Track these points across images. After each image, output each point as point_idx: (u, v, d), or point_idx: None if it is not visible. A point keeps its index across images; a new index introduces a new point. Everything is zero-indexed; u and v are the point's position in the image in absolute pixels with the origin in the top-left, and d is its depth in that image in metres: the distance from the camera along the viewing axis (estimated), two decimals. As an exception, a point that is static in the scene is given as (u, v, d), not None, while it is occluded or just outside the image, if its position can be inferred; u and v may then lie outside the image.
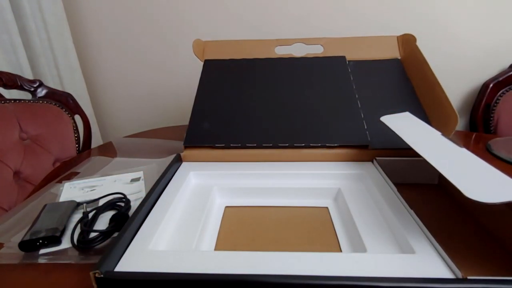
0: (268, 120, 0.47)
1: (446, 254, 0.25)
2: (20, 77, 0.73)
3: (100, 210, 0.39)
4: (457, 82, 0.98)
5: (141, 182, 0.48)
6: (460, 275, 0.23)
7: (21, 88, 0.73)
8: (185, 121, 0.48)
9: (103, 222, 0.38)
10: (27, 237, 0.34)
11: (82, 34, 0.99)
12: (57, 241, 0.35)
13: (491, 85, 0.89)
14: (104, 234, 0.35)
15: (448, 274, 0.24)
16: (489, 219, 0.32)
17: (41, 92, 0.76)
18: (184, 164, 0.44)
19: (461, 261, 0.24)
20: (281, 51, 0.54)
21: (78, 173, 0.54)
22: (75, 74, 0.96)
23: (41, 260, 0.33)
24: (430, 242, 0.27)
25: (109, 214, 0.39)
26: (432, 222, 0.29)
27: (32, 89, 0.75)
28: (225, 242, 0.33)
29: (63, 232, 0.36)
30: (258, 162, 0.44)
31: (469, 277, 0.22)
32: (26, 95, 0.75)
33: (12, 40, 0.78)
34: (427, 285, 0.22)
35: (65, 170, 0.55)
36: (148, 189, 0.37)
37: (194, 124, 0.48)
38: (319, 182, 0.40)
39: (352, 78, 0.51)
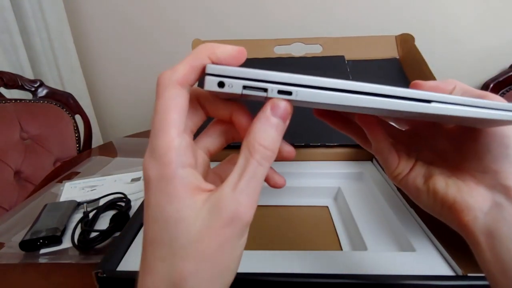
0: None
1: (446, 251, 0.25)
2: (20, 77, 0.73)
3: (101, 210, 0.39)
4: (457, 82, 0.98)
5: (142, 182, 0.48)
6: (460, 272, 0.23)
7: (21, 88, 0.73)
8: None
9: (103, 222, 0.38)
10: (28, 237, 0.34)
11: (82, 34, 0.99)
12: (58, 241, 0.35)
13: (491, 85, 0.89)
14: (104, 234, 0.35)
15: (448, 271, 0.24)
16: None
17: (42, 92, 0.76)
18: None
19: (461, 258, 0.24)
20: (280, 51, 0.54)
21: (79, 173, 0.54)
22: (75, 74, 0.96)
23: (42, 260, 0.33)
24: (430, 240, 0.27)
25: (109, 214, 0.39)
26: (432, 220, 0.29)
27: (33, 89, 0.75)
28: (225, 241, 0.33)
29: (63, 231, 0.36)
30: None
31: (469, 274, 0.23)
32: (27, 95, 0.75)
33: (12, 40, 0.79)
34: (428, 282, 0.22)
35: (65, 170, 0.55)
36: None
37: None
38: (319, 181, 0.40)
39: (351, 78, 0.51)
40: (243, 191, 0.13)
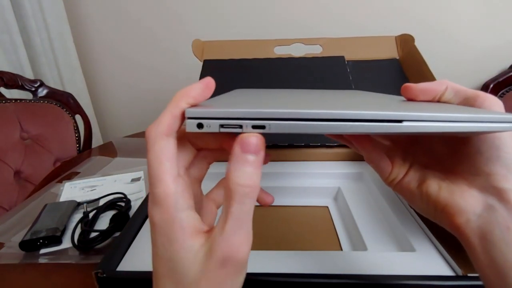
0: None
1: (446, 251, 0.25)
2: (21, 77, 0.73)
3: (101, 210, 0.39)
4: (457, 82, 0.97)
5: (142, 182, 0.48)
6: (460, 272, 0.23)
7: (22, 88, 0.73)
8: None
9: (103, 222, 0.38)
10: (28, 237, 0.34)
11: (82, 34, 0.99)
12: (58, 241, 0.35)
13: (491, 86, 0.89)
14: (104, 234, 0.35)
15: (448, 272, 0.24)
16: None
17: (42, 92, 0.76)
18: (184, 163, 0.44)
19: (461, 258, 0.24)
20: (280, 51, 0.54)
21: (79, 173, 0.54)
22: (75, 74, 0.96)
23: (42, 260, 0.33)
24: (430, 240, 0.27)
25: (109, 214, 0.39)
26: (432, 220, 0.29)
27: (33, 89, 0.75)
28: (225, 241, 0.33)
29: (63, 232, 0.36)
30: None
31: (469, 274, 0.23)
32: (27, 95, 0.75)
33: (13, 40, 0.79)
34: (428, 283, 0.22)
35: (65, 170, 0.55)
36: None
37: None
38: (319, 181, 0.40)
39: (351, 78, 0.51)
40: (231, 233, 0.13)
